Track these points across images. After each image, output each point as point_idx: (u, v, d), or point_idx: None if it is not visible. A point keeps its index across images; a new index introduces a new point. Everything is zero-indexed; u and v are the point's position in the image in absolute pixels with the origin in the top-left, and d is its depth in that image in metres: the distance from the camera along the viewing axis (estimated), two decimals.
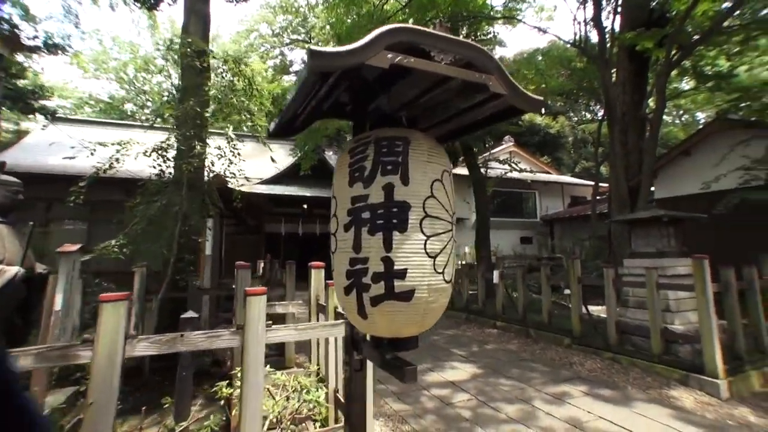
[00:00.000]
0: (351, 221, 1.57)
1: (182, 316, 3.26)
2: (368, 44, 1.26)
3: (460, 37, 1.72)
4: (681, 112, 24.44)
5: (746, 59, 9.35)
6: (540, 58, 14.95)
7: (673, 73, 9.52)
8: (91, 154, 5.41)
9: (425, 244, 1.51)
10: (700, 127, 13.78)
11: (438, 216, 1.56)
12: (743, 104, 9.13)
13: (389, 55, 1.31)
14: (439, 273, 1.55)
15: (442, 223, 1.57)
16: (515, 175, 15.37)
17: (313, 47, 1.21)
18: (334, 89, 1.65)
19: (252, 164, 10.14)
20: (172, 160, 5.81)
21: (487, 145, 17.17)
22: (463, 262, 14.13)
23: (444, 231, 1.57)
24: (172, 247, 5.67)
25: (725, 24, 7.89)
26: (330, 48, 1.28)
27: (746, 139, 8.39)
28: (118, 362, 2.20)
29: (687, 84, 12.59)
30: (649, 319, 5.69)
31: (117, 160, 5.38)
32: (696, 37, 8.02)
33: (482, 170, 13.28)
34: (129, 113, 25.20)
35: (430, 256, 1.52)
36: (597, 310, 7.60)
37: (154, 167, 5.59)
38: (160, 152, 5.54)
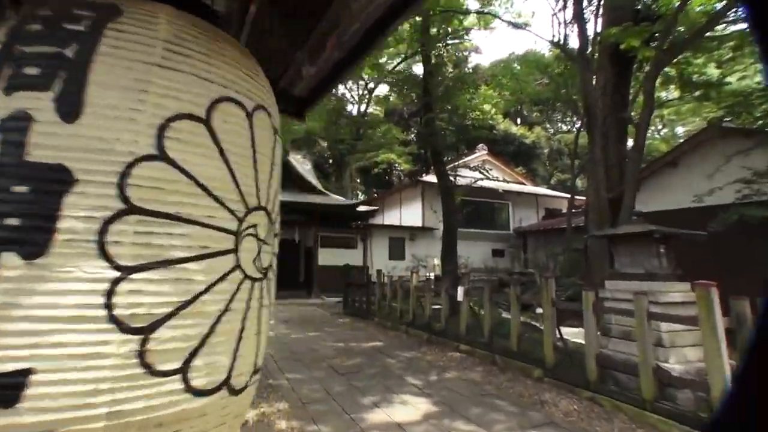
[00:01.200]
0: None
1: None
2: None
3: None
4: (661, 126, 24.17)
5: (739, 67, 8.71)
6: (516, 65, 14.46)
7: (657, 82, 8.89)
8: None
9: (110, 293, 0.50)
10: (685, 137, 13.28)
11: (179, 214, 0.56)
12: (740, 110, 8.38)
13: None
14: (169, 373, 0.55)
15: (192, 230, 0.58)
16: (488, 184, 14.73)
17: None
18: None
19: None
20: None
21: (459, 153, 16.49)
22: (432, 275, 13.17)
23: (201, 254, 0.59)
24: None
25: (718, 28, 7.26)
26: None
27: (746, 149, 7.65)
28: None
29: (670, 94, 12.08)
30: (638, 355, 4.61)
31: None
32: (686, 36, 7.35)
33: (451, 178, 12.44)
34: None
35: (123, 330, 0.51)
36: (571, 333, 6.69)
37: None
38: None
